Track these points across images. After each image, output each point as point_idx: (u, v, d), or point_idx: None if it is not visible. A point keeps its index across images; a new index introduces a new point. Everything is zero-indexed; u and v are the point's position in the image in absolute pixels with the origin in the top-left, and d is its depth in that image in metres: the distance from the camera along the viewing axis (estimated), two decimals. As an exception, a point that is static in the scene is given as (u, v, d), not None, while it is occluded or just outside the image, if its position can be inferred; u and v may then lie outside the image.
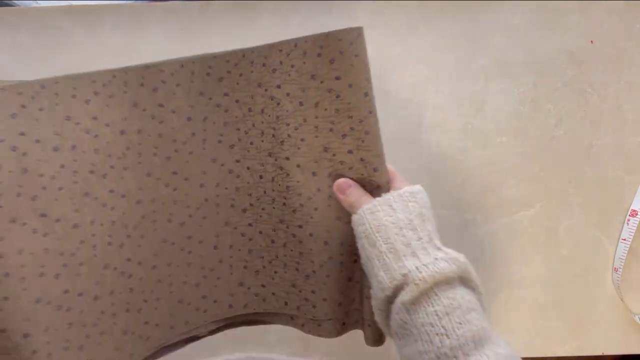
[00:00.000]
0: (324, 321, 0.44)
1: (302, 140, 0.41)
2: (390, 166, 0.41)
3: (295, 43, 0.40)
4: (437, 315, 0.32)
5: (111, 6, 0.53)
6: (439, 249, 0.35)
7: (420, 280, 0.33)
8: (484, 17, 0.54)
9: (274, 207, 0.43)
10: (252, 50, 0.42)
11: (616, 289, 0.53)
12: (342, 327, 0.44)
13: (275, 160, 0.42)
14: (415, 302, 0.33)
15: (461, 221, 0.54)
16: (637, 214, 0.53)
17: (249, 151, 0.43)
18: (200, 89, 0.42)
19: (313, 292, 0.43)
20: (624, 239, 0.53)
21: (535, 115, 0.54)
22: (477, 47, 0.54)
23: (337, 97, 0.39)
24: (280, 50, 0.41)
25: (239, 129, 0.43)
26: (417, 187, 0.39)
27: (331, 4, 0.53)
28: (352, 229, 0.39)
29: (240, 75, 0.42)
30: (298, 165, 0.41)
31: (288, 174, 0.42)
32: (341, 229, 0.41)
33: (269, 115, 0.42)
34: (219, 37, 0.53)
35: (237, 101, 0.42)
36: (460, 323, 0.31)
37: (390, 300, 0.35)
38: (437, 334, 0.31)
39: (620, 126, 0.54)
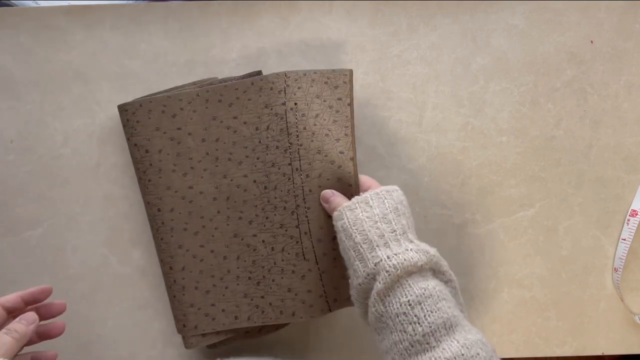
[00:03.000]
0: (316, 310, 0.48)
1: (300, 145, 0.47)
2: (368, 177, 0.45)
3: (304, 72, 0.48)
4: (409, 304, 0.34)
5: (111, 6, 0.53)
6: (411, 241, 0.37)
7: (390, 267, 0.35)
8: (484, 17, 0.54)
9: (275, 214, 0.48)
10: (261, 78, 0.49)
11: (616, 289, 0.53)
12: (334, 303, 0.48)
13: (279, 168, 0.48)
14: (388, 292, 0.35)
15: (461, 221, 0.54)
16: (637, 214, 0.53)
17: (255, 165, 0.48)
18: (213, 114, 0.49)
19: (309, 291, 0.47)
20: (624, 239, 0.53)
21: (535, 115, 0.54)
22: (477, 47, 0.54)
23: (337, 112, 0.48)
24: (288, 77, 0.49)
25: (246, 147, 0.48)
26: (394, 187, 0.41)
27: (331, 4, 0.53)
28: None
29: (249, 99, 0.49)
30: (297, 169, 0.48)
31: (289, 179, 0.48)
32: (333, 225, 0.45)
33: (273, 130, 0.48)
34: (219, 37, 0.53)
35: (244, 122, 0.49)
36: (431, 311, 0.33)
37: (366, 291, 0.37)
38: (410, 323, 0.33)
39: (620, 126, 0.54)
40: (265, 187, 0.48)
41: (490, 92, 0.54)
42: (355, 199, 0.40)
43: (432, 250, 0.37)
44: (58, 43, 0.52)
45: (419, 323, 0.33)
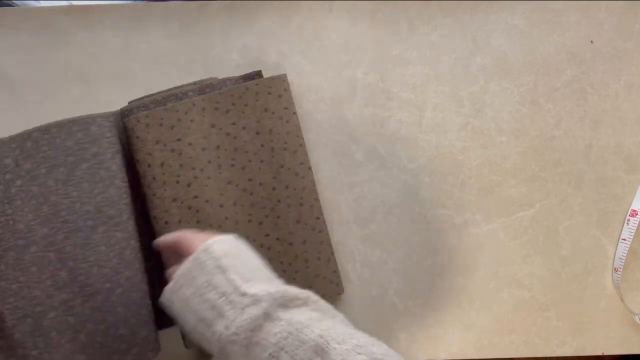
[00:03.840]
0: None
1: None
2: (186, 234, 0.40)
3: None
4: (273, 357, 0.31)
5: (111, 6, 0.53)
6: (244, 294, 0.33)
7: (233, 336, 0.32)
8: (484, 17, 0.54)
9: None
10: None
11: (616, 289, 0.53)
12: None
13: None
14: (248, 354, 0.32)
15: (461, 221, 0.54)
16: (637, 214, 0.53)
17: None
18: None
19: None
20: (624, 239, 0.53)
21: (535, 115, 0.54)
22: (477, 47, 0.54)
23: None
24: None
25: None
26: (212, 240, 0.37)
27: (331, 4, 0.53)
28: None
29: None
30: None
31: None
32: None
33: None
34: (219, 37, 0.53)
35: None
36: (296, 349, 0.31)
37: None
38: None
39: (620, 126, 0.54)
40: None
41: (490, 92, 0.54)
42: (177, 276, 0.36)
43: (272, 288, 0.34)
44: (58, 43, 0.52)
45: None
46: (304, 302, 0.34)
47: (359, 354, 0.29)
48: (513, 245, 0.54)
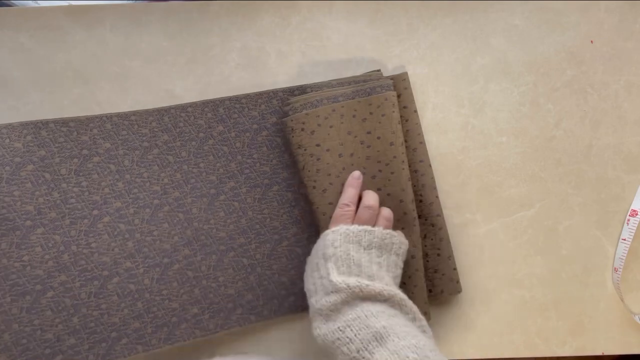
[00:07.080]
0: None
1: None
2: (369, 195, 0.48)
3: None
4: (339, 330, 0.38)
5: (111, 6, 0.53)
6: (331, 282, 0.41)
7: (318, 309, 0.40)
8: (484, 17, 0.54)
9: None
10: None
11: (616, 289, 0.53)
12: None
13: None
14: (320, 327, 0.40)
15: (461, 221, 0.54)
16: (637, 214, 0.53)
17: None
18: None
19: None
20: (624, 239, 0.53)
21: (535, 115, 0.54)
22: (477, 47, 0.54)
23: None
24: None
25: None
26: (331, 229, 0.45)
27: (331, 4, 0.53)
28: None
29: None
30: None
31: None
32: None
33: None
34: (219, 37, 0.53)
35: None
36: (360, 329, 0.37)
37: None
38: (344, 344, 0.37)
39: (620, 126, 0.54)
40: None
41: (490, 92, 0.54)
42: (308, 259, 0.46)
43: (352, 282, 0.40)
44: (58, 43, 0.52)
45: (351, 342, 0.37)
46: (386, 299, 0.40)
47: (413, 352, 0.34)
48: (513, 245, 0.54)
